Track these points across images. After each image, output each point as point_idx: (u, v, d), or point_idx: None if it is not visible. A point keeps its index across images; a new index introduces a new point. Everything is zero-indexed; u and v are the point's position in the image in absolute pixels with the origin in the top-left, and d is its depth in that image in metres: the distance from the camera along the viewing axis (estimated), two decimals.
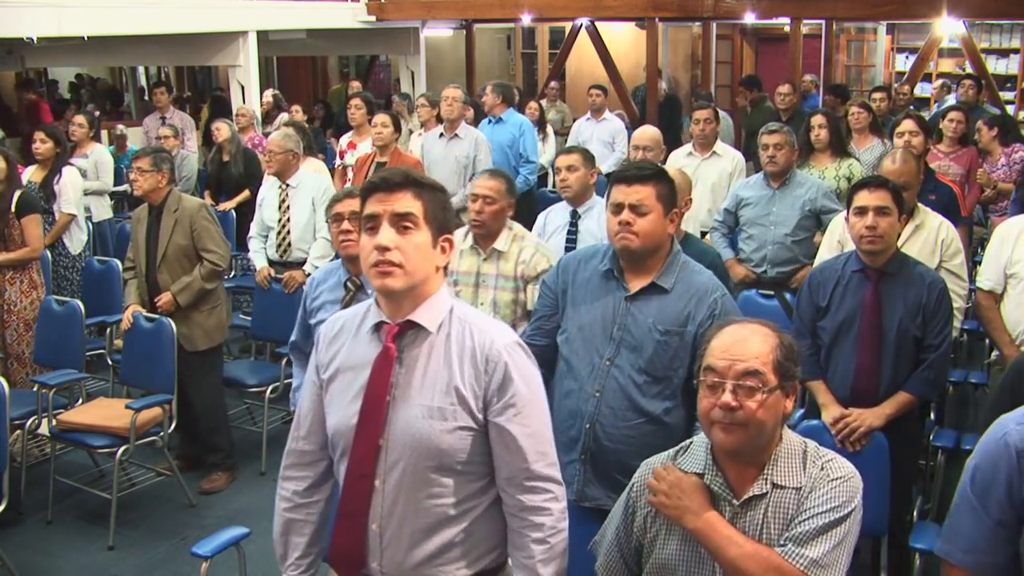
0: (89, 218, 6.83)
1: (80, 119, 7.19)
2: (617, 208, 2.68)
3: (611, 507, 2.67)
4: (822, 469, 1.96)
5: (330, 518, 2.20)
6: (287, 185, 5.49)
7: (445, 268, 2.06)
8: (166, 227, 4.63)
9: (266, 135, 8.31)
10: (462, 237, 4.01)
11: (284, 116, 8.88)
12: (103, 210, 7.14)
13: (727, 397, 1.90)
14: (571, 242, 4.27)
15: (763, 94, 9.35)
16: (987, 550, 1.83)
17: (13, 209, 5.09)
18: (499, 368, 1.99)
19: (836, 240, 4.29)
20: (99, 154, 7.13)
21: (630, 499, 2.13)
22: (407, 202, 1.96)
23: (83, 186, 6.82)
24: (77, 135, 7.05)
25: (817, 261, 4.26)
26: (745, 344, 1.94)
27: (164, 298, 4.60)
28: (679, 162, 5.65)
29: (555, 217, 4.47)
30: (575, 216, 4.34)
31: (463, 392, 1.98)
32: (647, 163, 3.14)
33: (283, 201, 5.47)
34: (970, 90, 7.85)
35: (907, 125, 4.93)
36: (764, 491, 1.96)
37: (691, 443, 2.11)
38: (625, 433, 2.68)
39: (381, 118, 6.04)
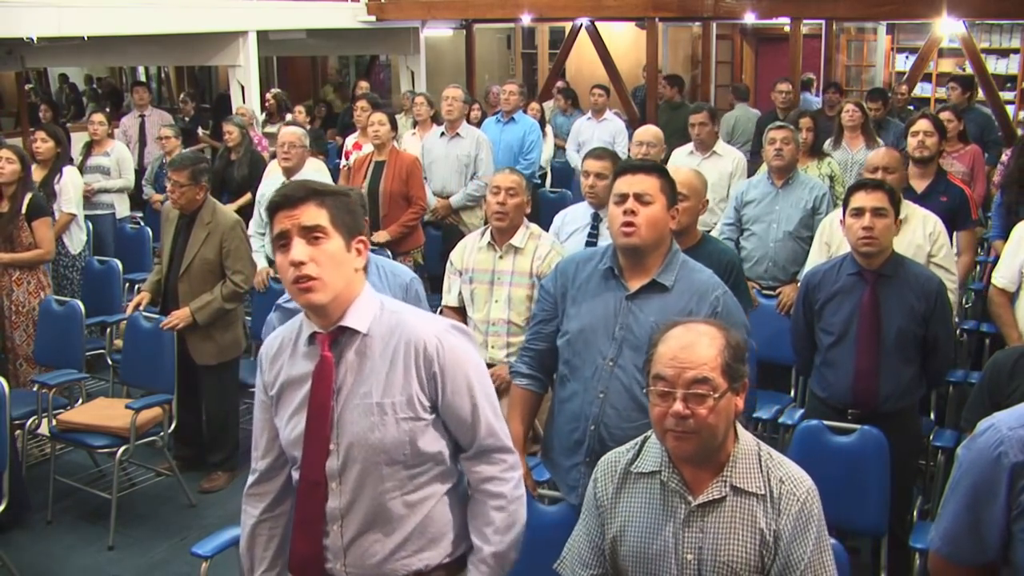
0: (112, 215, 6.97)
1: (99, 117, 7.21)
2: (621, 198, 2.66)
3: None
4: (782, 482, 1.97)
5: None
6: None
7: (365, 268, 2.09)
8: (196, 239, 4.51)
9: (266, 135, 8.31)
10: (478, 236, 4.01)
11: (288, 117, 8.85)
12: (125, 207, 7.19)
13: (678, 406, 1.91)
14: (592, 243, 4.18)
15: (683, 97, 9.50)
16: (969, 546, 1.82)
17: (24, 211, 5.10)
18: (435, 361, 2.03)
19: (824, 242, 4.29)
20: (120, 151, 7.18)
21: (595, 494, 2.13)
22: (312, 213, 1.98)
23: (107, 184, 6.95)
24: (98, 133, 7.11)
25: (808, 264, 4.26)
26: (692, 350, 1.94)
27: (181, 313, 4.48)
28: (680, 161, 5.64)
29: (574, 217, 4.34)
30: (597, 219, 4.22)
31: (403, 386, 2.02)
32: (650, 159, 3.11)
33: None
34: (953, 92, 7.78)
35: (922, 124, 4.82)
36: (723, 494, 1.96)
37: (646, 440, 2.11)
38: (630, 434, 2.63)
39: (378, 117, 5.98)
